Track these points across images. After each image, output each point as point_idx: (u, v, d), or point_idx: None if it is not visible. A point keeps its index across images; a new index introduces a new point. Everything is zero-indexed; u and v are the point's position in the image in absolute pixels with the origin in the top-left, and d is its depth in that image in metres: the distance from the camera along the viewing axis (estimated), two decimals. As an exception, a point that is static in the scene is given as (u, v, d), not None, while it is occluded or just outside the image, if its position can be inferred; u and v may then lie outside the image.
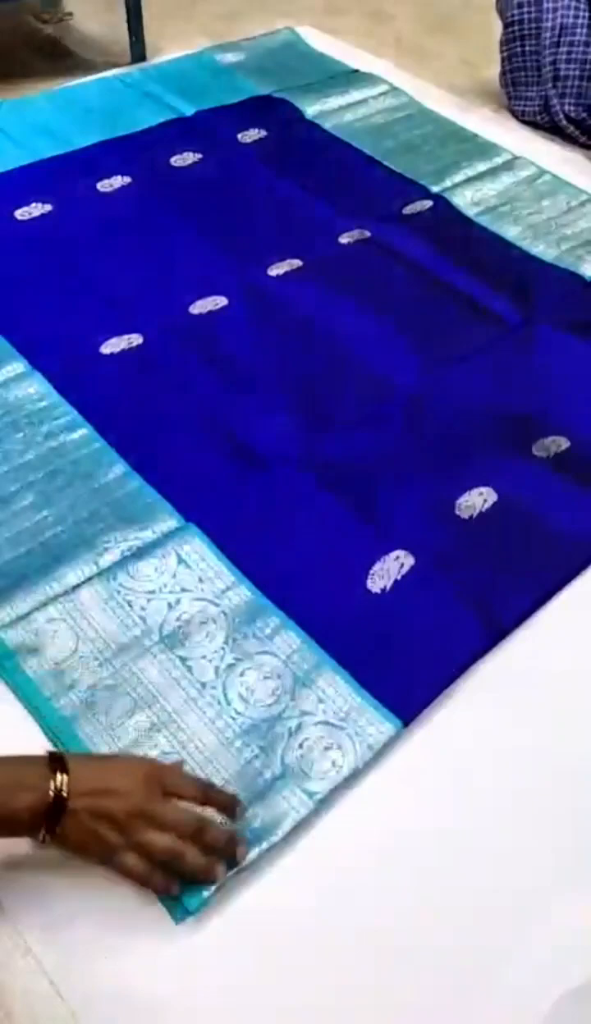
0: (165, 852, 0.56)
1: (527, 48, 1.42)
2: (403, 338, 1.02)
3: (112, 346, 0.98)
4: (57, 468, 0.85)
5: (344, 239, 1.16)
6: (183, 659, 0.71)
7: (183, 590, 0.76)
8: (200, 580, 0.76)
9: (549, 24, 1.37)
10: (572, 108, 1.40)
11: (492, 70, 1.53)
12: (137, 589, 0.75)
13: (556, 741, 0.69)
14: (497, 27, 1.46)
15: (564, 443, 0.90)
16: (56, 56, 1.67)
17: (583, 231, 1.20)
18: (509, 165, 1.32)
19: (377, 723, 0.67)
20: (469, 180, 1.28)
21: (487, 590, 0.76)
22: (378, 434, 0.91)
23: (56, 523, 0.80)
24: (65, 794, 0.54)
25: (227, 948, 0.57)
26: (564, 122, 1.40)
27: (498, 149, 1.35)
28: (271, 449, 0.88)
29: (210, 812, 0.59)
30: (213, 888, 0.58)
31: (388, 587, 0.76)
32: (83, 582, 0.75)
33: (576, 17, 1.36)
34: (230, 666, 0.71)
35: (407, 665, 0.71)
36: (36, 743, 0.66)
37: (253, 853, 0.60)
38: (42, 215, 1.16)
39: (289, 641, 0.73)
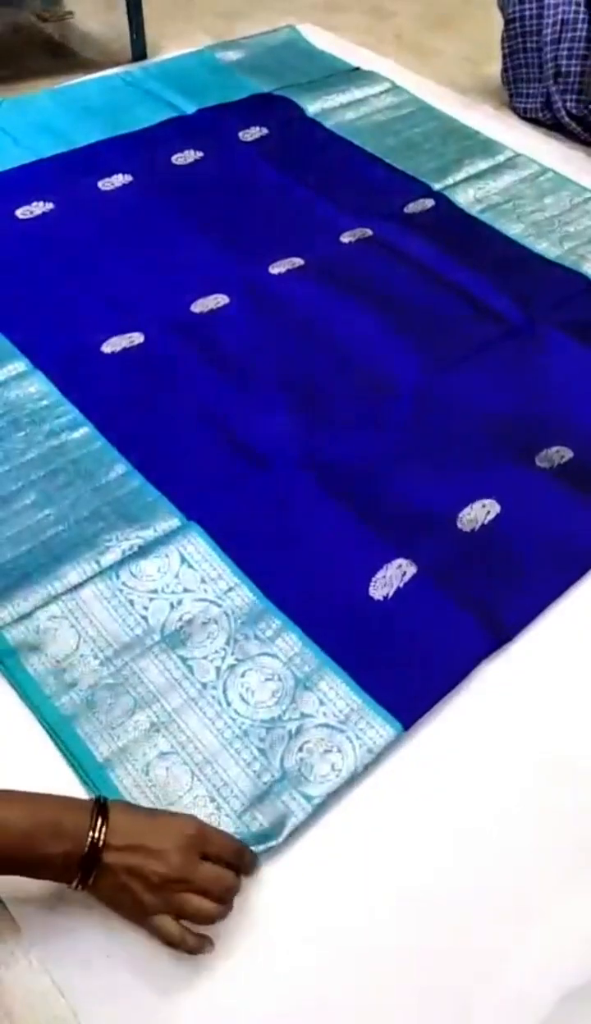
0: (198, 916, 0.55)
1: (528, 45, 1.41)
2: (404, 337, 1.02)
3: (113, 345, 0.98)
4: (58, 467, 0.85)
5: (345, 237, 1.16)
6: (184, 659, 0.71)
7: (185, 590, 0.76)
8: (203, 580, 0.76)
9: (550, 20, 1.37)
10: (574, 105, 1.39)
11: (493, 67, 1.53)
12: (140, 588, 0.75)
13: (556, 746, 0.69)
14: (498, 24, 1.45)
15: (567, 453, 0.89)
16: (57, 55, 1.66)
17: (586, 229, 1.20)
18: (511, 163, 1.31)
19: (378, 726, 0.67)
20: (471, 178, 1.28)
21: (489, 598, 0.76)
22: (379, 433, 0.91)
23: (57, 522, 0.80)
24: (101, 845, 0.53)
25: (227, 948, 0.57)
26: (566, 119, 1.40)
27: (500, 146, 1.35)
28: (272, 448, 0.88)
29: None
30: None
31: (390, 594, 0.76)
32: (85, 581, 0.76)
33: (577, 13, 1.35)
34: (231, 667, 0.71)
35: (409, 669, 0.71)
36: (36, 742, 0.66)
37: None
38: (43, 214, 1.16)
39: (291, 643, 0.73)
